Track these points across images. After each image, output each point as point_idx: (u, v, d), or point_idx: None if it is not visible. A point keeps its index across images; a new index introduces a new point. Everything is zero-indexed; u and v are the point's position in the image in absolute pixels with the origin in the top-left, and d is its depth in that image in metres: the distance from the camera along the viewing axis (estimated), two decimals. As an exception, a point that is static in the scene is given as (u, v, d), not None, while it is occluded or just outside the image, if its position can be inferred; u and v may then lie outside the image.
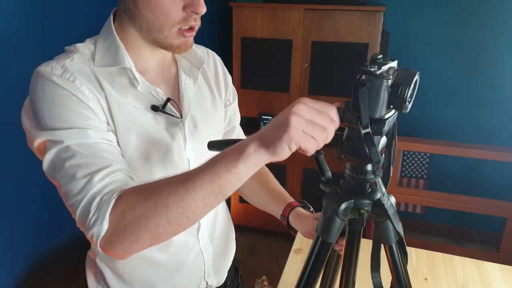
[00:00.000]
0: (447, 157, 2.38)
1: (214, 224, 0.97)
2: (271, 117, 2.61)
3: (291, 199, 0.97)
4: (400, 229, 0.69)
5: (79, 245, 0.68)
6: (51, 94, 0.70)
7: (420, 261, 1.39)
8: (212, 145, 0.77)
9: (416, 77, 0.62)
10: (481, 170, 2.69)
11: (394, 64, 0.65)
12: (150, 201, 0.61)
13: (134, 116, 0.79)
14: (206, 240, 0.94)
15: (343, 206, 0.68)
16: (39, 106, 0.70)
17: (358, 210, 0.69)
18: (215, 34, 3.03)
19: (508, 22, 2.45)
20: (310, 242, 0.91)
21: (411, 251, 1.42)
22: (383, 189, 0.69)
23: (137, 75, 0.79)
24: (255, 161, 0.59)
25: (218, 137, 0.97)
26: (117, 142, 0.76)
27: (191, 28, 0.77)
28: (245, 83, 2.67)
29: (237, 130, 1.06)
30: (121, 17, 0.80)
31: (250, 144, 0.59)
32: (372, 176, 0.68)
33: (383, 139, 0.67)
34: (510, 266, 1.37)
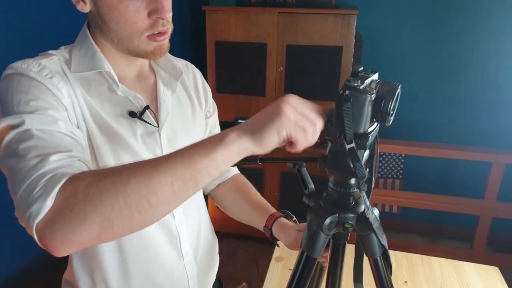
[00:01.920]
0: (421, 158, 2.43)
1: (197, 240, 0.95)
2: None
3: (273, 210, 0.96)
4: (384, 241, 0.69)
5: (48, 268, 0.58)
6: (26, 85, 0.67)
7: (399, 264, 1.41)
8: None
9: (398, 90, 0.62)
10: (454, 170, 2.76)
11: (375, 76, 0.65)
12: (108, 179, 0.52)
13: (109, 123, 0.77)
14: (190, 256, 0.91)
15: (327, 221, 0.67)
16: (9, 97, 0.65)
17: (343, 224, 0.68)
18: (188, 38, 2.99)
19: (479, 22, 2.52)
20: (290, 250, 0.91)
21: (390, 254, 1.43)
22: (367, 203, 0.68)
23: (116, 78, 0.78)
24: (236, 148, 0.53)
25: None
26: (91, 147, 0.75)
27: (162, 32, 0.76)
28: (220, 87, 2.65)
29: None
30: (93, 31, 0.79)
31: (232, 131, 0.54)
32: (355, 190, 0.68)
33: (366, 152, 0.67)
34: (485, 265, 1.41)
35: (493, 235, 2.30)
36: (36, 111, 0.63)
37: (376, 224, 0.68)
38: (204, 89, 1.00)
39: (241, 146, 0.54)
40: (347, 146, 0.60)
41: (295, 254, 0.74)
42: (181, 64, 0.97)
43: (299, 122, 0.55)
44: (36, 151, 0.57)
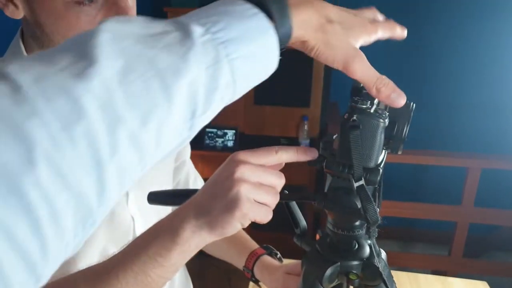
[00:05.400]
0: (396, 164, 2.36)
1: (171, 285, 0.81)
2: (215, 130, 2.44)
3: (254, 245, 0.82)
4: (396, 293, 0.57)
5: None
6: None
7: (386, 284, 1.31)
8: (152, 199, 0.60)
9: (413, 109, 0.51)
10: (430, 176, 2.73)
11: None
12: None
13: None
14: None
15: (328, 272, 0.55)
16: None
17: (346, 274, 0.56)
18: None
19: (452, 25, 2.50)
20: None
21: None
22: (377, 247, 0.56)
23: None
24: (193, 246, 0.46)
25: (168, 177, 0.81)
26: None
27: None
28: (185, 94, 2.48)
29: (188, 165, 0.90)
30: (28, 42, 0.62)
31: (185, 225, 0.45)
32: (360, 232, 0.55)
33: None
34: (474, 280, 1.34)
35: (471, 240, 2.27)
36: None
37: (386, 272, 0.56)
38: None
39: (200, 242, 0.46)
40: (356, 184, 0.47)
41: None
42: None
43: (261, 199, 0.45)
44: None
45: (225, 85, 0.32)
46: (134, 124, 0.27)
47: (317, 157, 0.51)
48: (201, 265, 2.56)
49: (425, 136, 2.57)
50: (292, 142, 2.42)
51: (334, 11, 0.40)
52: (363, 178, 0.47)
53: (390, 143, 0.49)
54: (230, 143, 2.46)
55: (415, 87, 2.61)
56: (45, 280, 0.25)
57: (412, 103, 0.51)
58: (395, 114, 0.49)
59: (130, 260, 0.45)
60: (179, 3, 2.41)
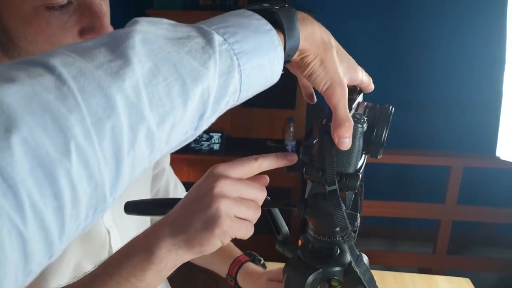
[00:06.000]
0: (379, 164, 2.39)
1: None
2: (201, 133, 2.42)
3: (238, 252, 0.81)
4: (378, 297, 0.57)
5: None
6: None
7: (372, 284, 1.31)
8: (130, 209, 0.59)
9: (392, 114, 0.50)
10: (413, 175, 2.75)
11: (360, 98, 0.53)
12: None
13: None
14: None
15: (310, 279, 0.54)
16: None
17: (328, 281, 0.55)
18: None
19: (434, 26, 2.53)
20: None
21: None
22: (357, 252, 0.55)
23: None
24: (170, 265, 0.45)
25: (146, 186, 0.79)
26: None
27: None
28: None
29: (167, 172, 0.89)
30: None
31: (161, 243, 0.44)
32: (341, 239, 0.55)
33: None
34: (457, 277, 1.36)
35: (454, 237, 2.30)
36: None
37: (367, 277, 0.56)
38: None
39: (177, 261, 0.45)
40: (328, 188, 0.47)
41: None
42: None
43: (241, 215, 0.44)
44: None
45: (232, 92, 0.35)
46: (153, 123, 0.29)
47: (296, 162, 0.50)
48: (188, 272, 2.54)
49: (408, 135, 2.60)
50: (278, 144, 2.41)
51: (334, 39, 0.43)
52: (336, 183, 0.47)
53: (370, 147, 0.49)
54: (216, 146, 2.44)
55: (398, 87, 2.64)
56: (55, 257, 0.27)
57: (391, 107, 0.51)
58: (374, 119, 0.49)
59: (102, 280, 0.43)
60: (161, 5, 2.39)
